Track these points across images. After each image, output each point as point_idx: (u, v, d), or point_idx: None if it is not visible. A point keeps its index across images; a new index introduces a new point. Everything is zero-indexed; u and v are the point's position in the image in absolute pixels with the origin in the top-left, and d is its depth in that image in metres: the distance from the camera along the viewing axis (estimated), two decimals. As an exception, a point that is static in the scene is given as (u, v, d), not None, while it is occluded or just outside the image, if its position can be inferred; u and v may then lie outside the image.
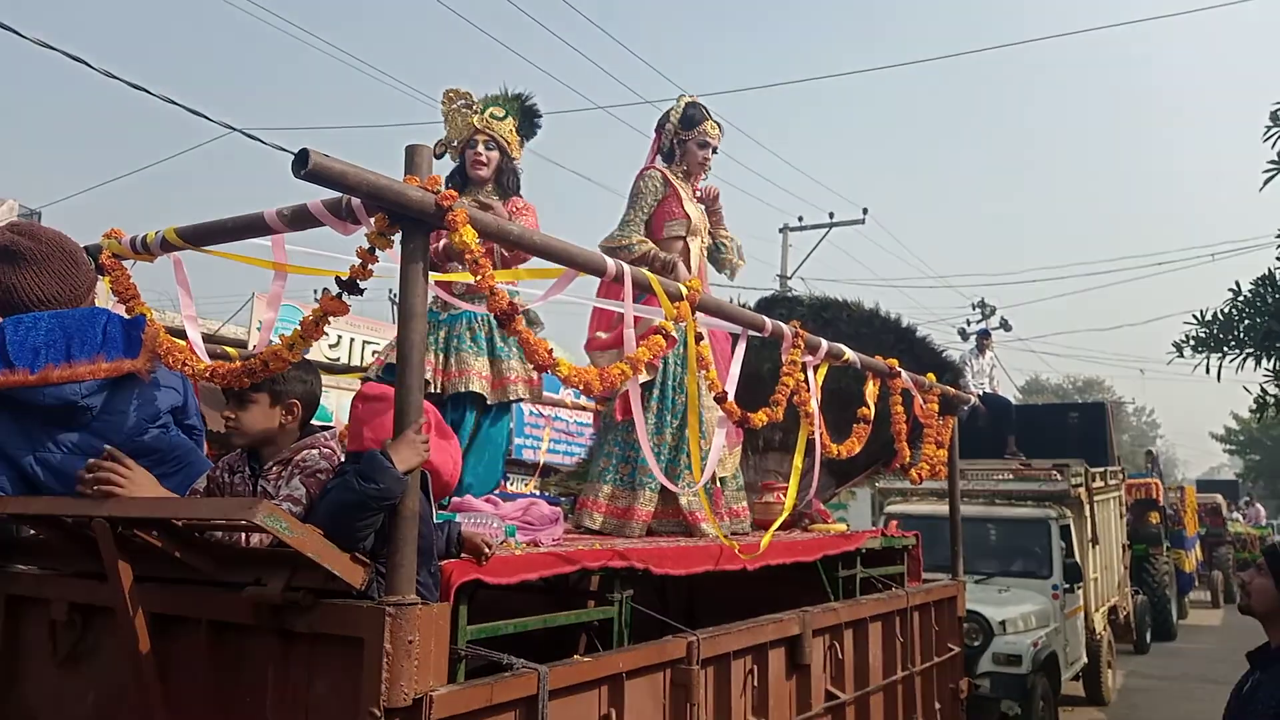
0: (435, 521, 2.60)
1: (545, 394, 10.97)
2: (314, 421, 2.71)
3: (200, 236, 2.61)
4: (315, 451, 2.55)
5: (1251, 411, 7.49)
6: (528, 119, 4.35)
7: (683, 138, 4.63)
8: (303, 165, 1.94)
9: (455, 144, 4.27)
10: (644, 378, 3.98)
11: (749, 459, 6.54)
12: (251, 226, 2.48)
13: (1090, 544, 9.76)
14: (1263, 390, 6.99)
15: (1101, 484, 10.49)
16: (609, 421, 4.43)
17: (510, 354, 4.05)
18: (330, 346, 14.10)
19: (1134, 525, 13.82)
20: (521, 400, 4.16)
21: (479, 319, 4.05)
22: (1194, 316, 6.97)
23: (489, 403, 4.04)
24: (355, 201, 2.21)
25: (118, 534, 2.26)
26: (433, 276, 2.73)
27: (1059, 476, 9.35)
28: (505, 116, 4.23)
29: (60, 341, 2.57)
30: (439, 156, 4.28)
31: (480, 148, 4.17)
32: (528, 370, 4.05)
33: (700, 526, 4.22)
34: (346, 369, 9.75)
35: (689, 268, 4.51)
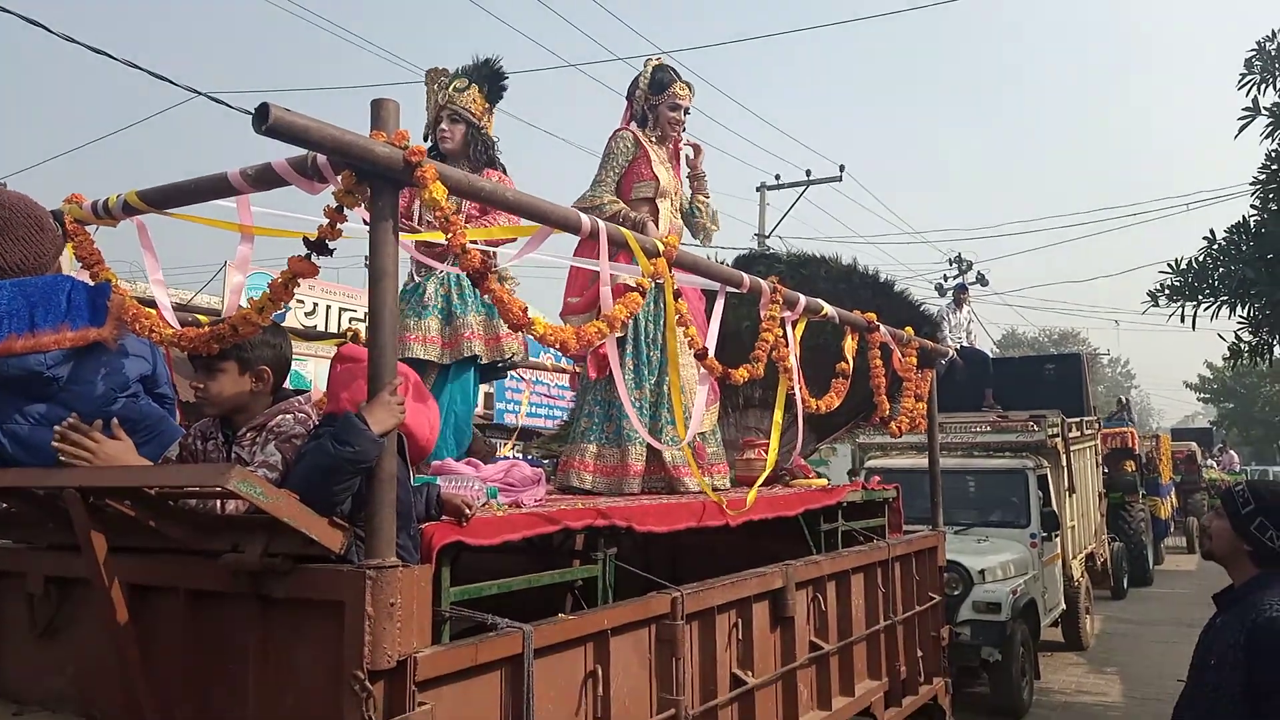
0: (414, 484, 2.58)
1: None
2: (287, 387, 2.68)
3: (163, 199, 2.55)
4: (290, 417, 2.51)
5: (1225, 359, 7.59)
6: (493, 83, 4.26)
7: (653, 102, 4.65)
8: (263, 120, 1.88)
9: (428, 125, 4.25)
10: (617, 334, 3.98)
11: (729, 416, 6.55)
12: (215, 188, 2.41)
13: (1067, 493, 9.89)
14: (1237, 337, 7.07)
15: (1078, 434, 10.61)
16: (585, 382, 4.43)
17: (467, 310, 3.99)
18: (306, 315, 13.98)
19: (1110, 474, 14.02)
20: (479, 358, 4.05)
21: (444, 279, 4.00)
22: (1169, 265, 7.02)
23: (443, 363, 3.97)
24: (321, 159, 2.15)
25: (89, 504, 2.22)
26: (403, 236, 2.68)
27: (1036, 427, 9.44)
28: (468, 87, 4.15)
29: (23, 310, 2.50)
30: (426, 140, 4.24)
31: (445, 124, 4.14)
32: (492, 328, 4.00)
33: (684, 481, 4.23)
34: (322, 336, 9.65)
35: (657, 228, 4.50)
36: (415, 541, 2.39)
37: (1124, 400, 20.12)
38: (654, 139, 4.64)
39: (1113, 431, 15.34)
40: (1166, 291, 7.01)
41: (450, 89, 4.15)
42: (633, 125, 4.68)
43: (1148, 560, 15.23)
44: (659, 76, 4.65)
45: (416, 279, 4.09)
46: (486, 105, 4.21)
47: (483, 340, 4.00)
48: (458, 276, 3.97)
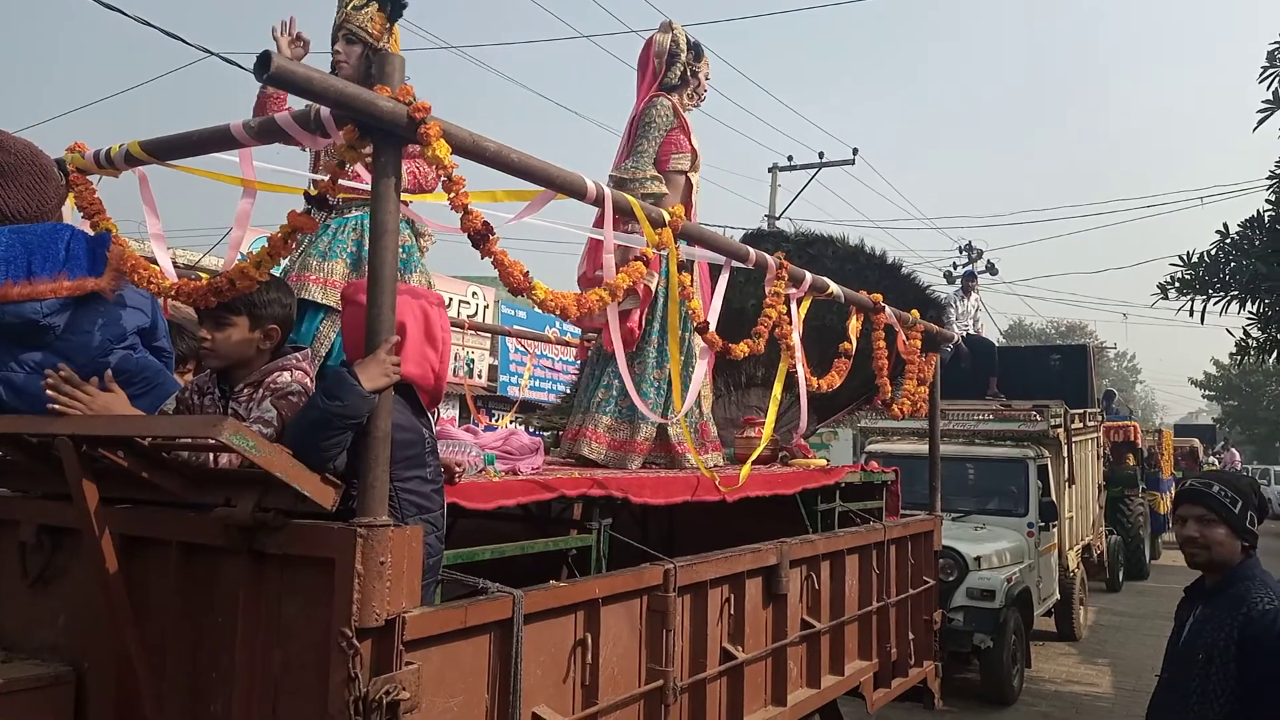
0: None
1: (528, 330, 10.85)
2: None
3: (165, 150, 2.52)
4: (287, 374, 2.49)
5: (1232, 355, 7.54)
6: (394, 1, 3.81)
7: (694, 69, 4.55)
8: (265, 69, 1.85)
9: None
10: (625, 305, 3.93)
11: (731, 394, 6.54)
12: (218, 139, 2.39)
13: (1067, 484, 9.87)
14: (1245, 333, 7.02)
15: (1080, 425, 10.58)
16: (607, 352, 4.41)
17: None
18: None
19: (1112, 467, 14.00)
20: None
21: (358, 222, 3.66)
22: (1180, 259, 6.96)
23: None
24: (324, 112, 2.12)
25: (82, 453, 2.21)
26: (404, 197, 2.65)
27: (1038, 417, 9.42)
28: (366, 4, 3.76)
29: (21, 258, 2.48)
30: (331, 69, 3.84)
31: (339, 45, 3.75)
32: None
33: (686, 457, 4.22)
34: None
35: (691, 202, 4.47)
36: (436, 472, 2.42)
37: (1111, 393, 19.91)
38: (688, 108, 4.54)
39: (1116, 425, 15.31)
40: (1177, 284, 6.95)
41: (347, 8, 3.77)
42: (668, 93, 4.51)
43: (1144, 554, 15.25)
44: (696, 42, 4.58)
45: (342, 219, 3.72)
46: (386, 25, 3.80)
47: None
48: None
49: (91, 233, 2.68)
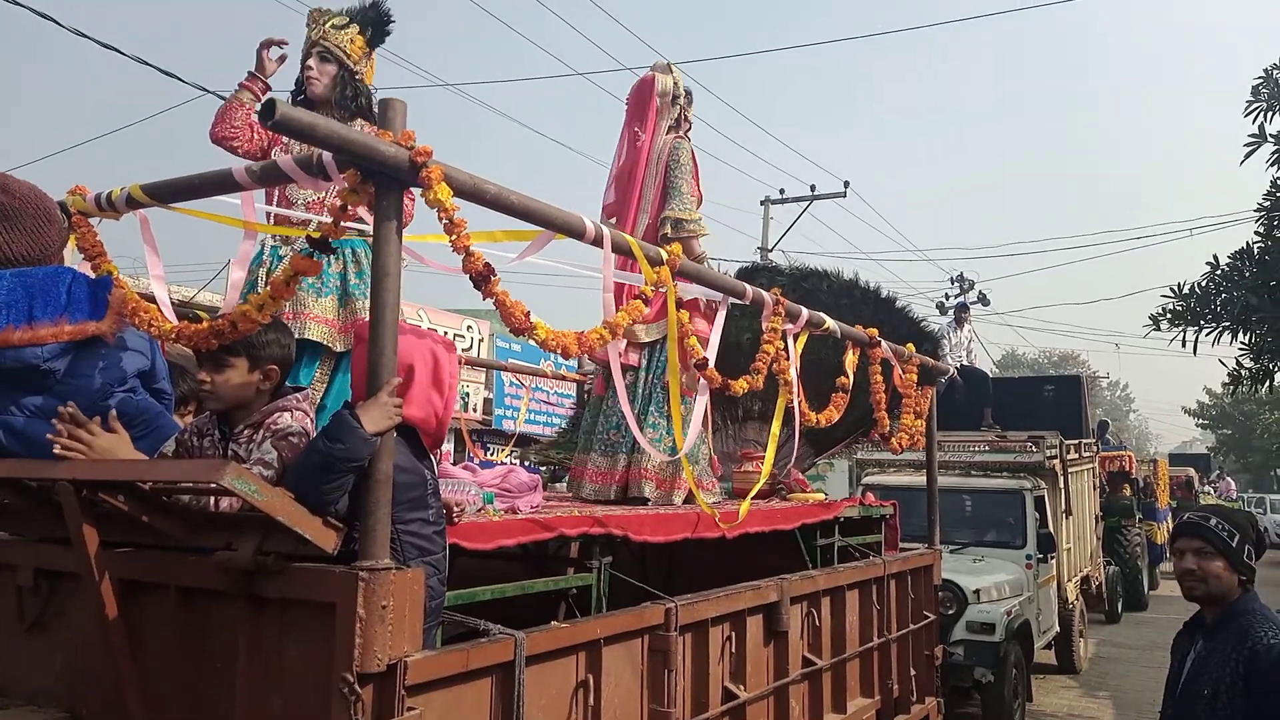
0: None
1: (524, 364, 10.88)
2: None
3: (167, 193, 2.53)
4: (288, 415, 2.49)
5: (1225, 385, 7.60)
6: (377, 26, 3.72)
7: (686, 112, 4.65)
8: (269, 116, 1.87)
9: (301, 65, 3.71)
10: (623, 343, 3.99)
11: (729, 429, 6.54)
12: (220, 183, 2.41)
13: (1064, 515, 9.85)
14: (1238, 363, 7.07)
15: (1076, 456, 10.58)
16: (642, 390, 4.48)
17: (368, 292, 3.63)
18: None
19: (1108, 497, 13.98)
20: None
21: (341, 253, 3.53)
22: (1171, 290, 7.03)
23: (339, 350, 3.49)
24: (326, 156, 2.14)
25: (82, 497, 2.21)
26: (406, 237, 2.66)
27: (1034, 448, 9.41)
28: (347, 25, 3.65)
29: (22, 301, 2.48)
30: (297, 86, 3.75)
31: (313, 62, 3.62)
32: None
33: (695, 493, 4.24)
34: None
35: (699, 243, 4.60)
36: (439, 514, 2.43)
37: (1105, 423, 19.84)
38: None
39: (1111, 455, 15.32)
40: (1168, 316, 7.02)
41: (326, 26, 3.64)
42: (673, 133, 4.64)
43: (1142, 585, 15.18)
44: (687, 86, 4.67)
45: (277, 246, 3.62)
46: (366, 49, 3.69)
47: None
48: (353, 252, 3.53)
49: (92, 275, 2.69)
